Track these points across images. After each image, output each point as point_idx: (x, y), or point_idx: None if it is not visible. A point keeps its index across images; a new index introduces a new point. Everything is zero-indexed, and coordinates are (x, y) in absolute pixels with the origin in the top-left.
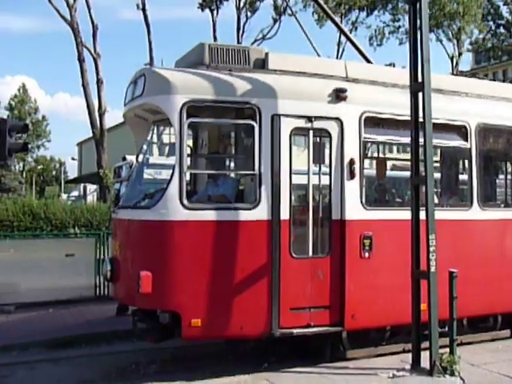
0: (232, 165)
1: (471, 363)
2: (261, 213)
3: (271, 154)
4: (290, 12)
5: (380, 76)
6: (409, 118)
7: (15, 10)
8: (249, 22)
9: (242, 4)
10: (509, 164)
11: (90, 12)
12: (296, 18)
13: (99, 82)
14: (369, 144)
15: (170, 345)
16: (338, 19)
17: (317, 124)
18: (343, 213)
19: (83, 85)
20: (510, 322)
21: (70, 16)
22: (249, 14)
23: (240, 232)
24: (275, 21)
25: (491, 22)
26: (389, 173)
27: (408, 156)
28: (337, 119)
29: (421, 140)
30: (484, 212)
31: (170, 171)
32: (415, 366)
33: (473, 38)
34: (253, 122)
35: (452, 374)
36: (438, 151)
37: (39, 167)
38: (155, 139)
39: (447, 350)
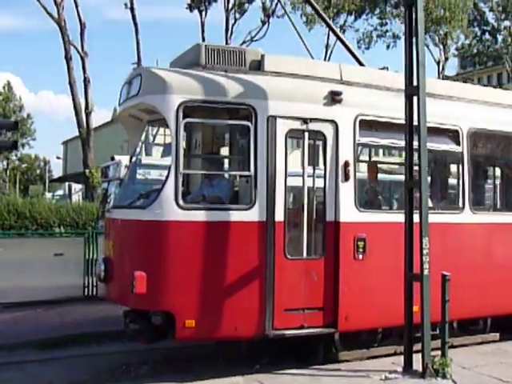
0: (227, 166)
1: (462, 366)
2: (256, 214)
3: (267, 156)
4: (278, 14)
5: (374, 79)
6: (403, 122)
7: (1, 6)
8: (237, 24)
9: (230, 6)
10: (500, 168)
11: (77, 10)
12: (289, 17)
13: (86, 81)
14: (363, 147)
15: (161, 346)
16: None
17: (312, 126)
18: (337, 215)
19: (70, 83)
20: (499, 325)
21: (58, 14)
22: (237, 15)
23: (235, 233)
24: (263, 23)
25: (477, 28)
26: (382, 176)
27: (402, 159)
28: (332, 121)
29: (415, 143)
30: (475, 216)
31: (165, 171)
32: (407, 369)
33: (459, 44)
34: (248, 123)
35: (444, 376)
36: (430, 155)
37: (23, 166)
38: (150, 139)
39: (439, 352)
